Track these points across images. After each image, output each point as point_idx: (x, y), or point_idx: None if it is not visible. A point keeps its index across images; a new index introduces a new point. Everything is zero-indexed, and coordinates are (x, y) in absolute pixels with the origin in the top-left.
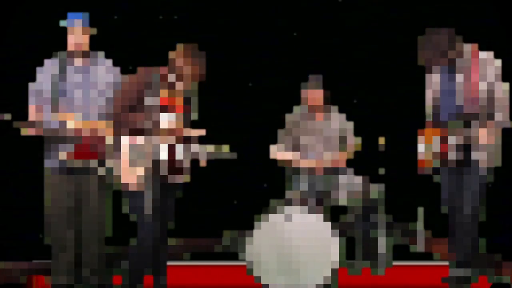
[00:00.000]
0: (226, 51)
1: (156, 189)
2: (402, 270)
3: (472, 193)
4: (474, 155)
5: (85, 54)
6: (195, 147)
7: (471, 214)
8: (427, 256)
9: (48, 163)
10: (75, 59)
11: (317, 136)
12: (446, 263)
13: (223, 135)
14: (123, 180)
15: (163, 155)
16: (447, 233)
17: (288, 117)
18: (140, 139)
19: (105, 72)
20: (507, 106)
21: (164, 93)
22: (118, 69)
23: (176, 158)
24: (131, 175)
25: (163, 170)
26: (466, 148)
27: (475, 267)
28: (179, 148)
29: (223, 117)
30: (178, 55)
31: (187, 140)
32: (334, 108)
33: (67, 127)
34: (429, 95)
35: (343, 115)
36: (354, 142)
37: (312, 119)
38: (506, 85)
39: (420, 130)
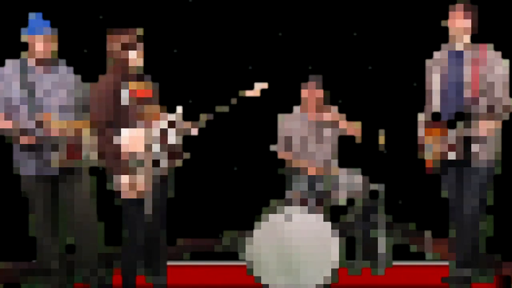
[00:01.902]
0: (225, 50)
1: (156, 189)
2: (402, 270)
3: (473, 193)
4: (474, 154)
5: (46, 62)
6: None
7: (471, 214)
8: (427, 256)
9: (27, 171)
10: (36, 67)
11: (310, 137)
12: (446, 263)
13: (223, 134)
14: (125, 193)
15: (156, 148)
16: (447, 233)
17: (282, 117)
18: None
19: (66, 79)
20: (508, 106)
21: (133, 85)
22: (79, 76)
23: (169, 143)
24: (137, 183)
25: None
26: (466, 146)
27: (475, 267)
28: (171, 133)
29: (223, 117)
30: (110, 40)
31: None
32: (334, 108)
33: (52, 127)
34: (429, 95)
35: (329, 114)
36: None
37: (305, 119)
38: (506, 62)
39: (427, 129)
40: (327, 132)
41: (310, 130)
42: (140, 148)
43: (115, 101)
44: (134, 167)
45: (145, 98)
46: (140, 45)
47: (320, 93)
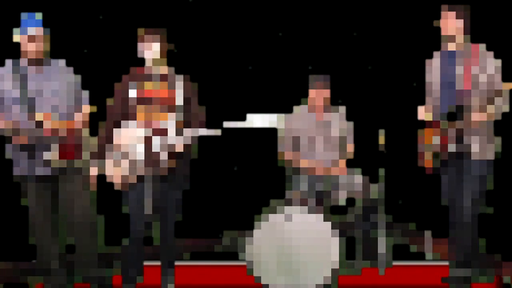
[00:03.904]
0: (227, 50)
1: (140, 187)
2: (402, 270)
3: (472, 193)
4: (469, 147)
5: (46, 62)
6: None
7: (471, 214)
8: (427, 256)
9: (23, 171)
10: (36, 67)
11: (317, 136)
12: (446, 263)
13: (224, 134)
14: (110, 180)
15: (140, 154)
16: (447, 233)
17: (288, 117)
18: (119, 138)
19: (65, 79)
20: (500, 98)
21: (148, 85)
22: (79, 77)
23: (154, 151)
24: (116, 175)
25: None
26: (460, 140)
27: (475, 267)
28: (156, 141)
29: (224, 117)
30: (139, 40)
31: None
32: (342, 108)
33: (44, 127)
34: (429, 95)
35: (344, 114)
36: (352, 149)
37: (312, 119)
38: (498, 62)
39: (423, 130)
40: (335, 132)
41: (317, 130)
42: (125, 143)
43: (123, 100)
44: (118, 160)
45: (155, 98)
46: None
47: (327, 93)
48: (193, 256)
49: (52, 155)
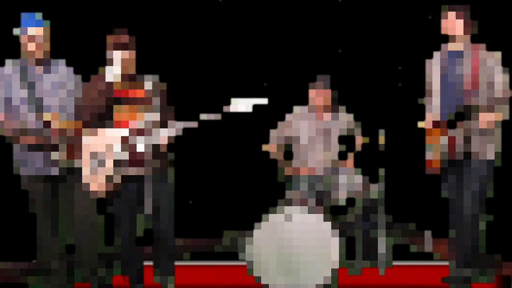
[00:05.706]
0: (227, 51)
1: (131, 188)
2: (402, 270)
3: (473, 192)
4: (474, 147)
5: (46, 62)
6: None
7: (471, 214)
8: (427, 256)
9: (28, 171)
10: (32, 67)
11: (317, 136)
12: (446, 263)
13: (224, 134)
14: (91, 188)
15: (125, 155)
16: (447, 233)
17: (288, 117)
18: (97, 143)
19: (66, 79)
20: (507, 98)
21: (123, 85)
22: (79, 76)
23: (138, 150)
24: (96, 182)
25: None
26: (466, 141)
27: (475, 267)
28: (140, 140)
29: (224, 117)
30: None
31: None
32: (342, 108)
33: (54, 127)
34: (429, 95)
35: (344, 115)
36: (361, 141)
37: (313, 119)
38: (506, 77)
39: (427, 130)
40: (335, 132)
41: (317, 130)
42: (101, 148)
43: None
44: (95, 167)
45: (130, 99)
46: (132, 48)
47: (327, 93)
48: (193, 256)
49: (57, 155)
